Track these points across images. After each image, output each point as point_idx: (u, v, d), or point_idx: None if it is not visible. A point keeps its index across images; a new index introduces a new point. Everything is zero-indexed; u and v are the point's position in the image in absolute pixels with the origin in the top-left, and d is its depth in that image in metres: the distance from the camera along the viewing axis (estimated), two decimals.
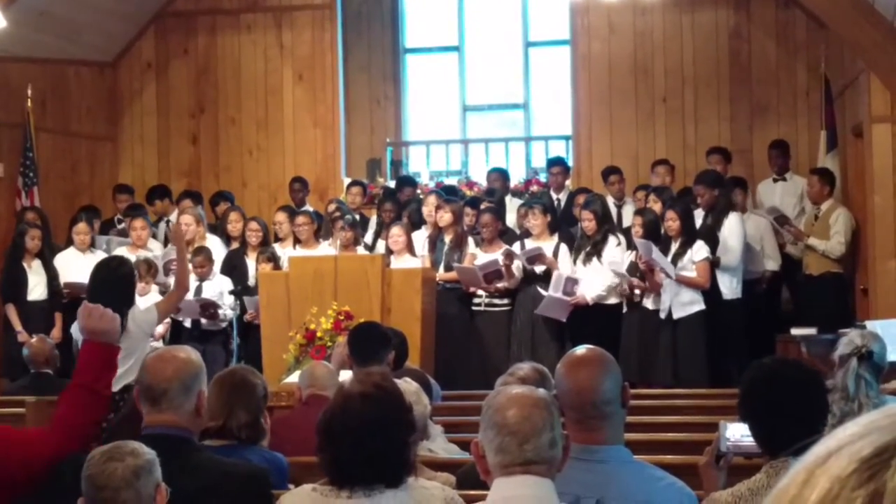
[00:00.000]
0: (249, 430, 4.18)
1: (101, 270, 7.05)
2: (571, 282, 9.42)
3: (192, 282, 9.87)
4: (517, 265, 9.60)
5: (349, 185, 11.93)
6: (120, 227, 11.31)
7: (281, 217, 10.65)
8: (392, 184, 12.32)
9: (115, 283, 6.93)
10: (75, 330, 7.17)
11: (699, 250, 9.12)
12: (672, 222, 9.20)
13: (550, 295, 9.40)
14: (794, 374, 3.51)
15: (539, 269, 9.63)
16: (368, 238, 10.61)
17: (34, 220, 10.33)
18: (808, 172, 10.56)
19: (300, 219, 10.35)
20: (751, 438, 3.54)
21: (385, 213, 10.79)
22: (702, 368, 9.03)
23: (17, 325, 9.92)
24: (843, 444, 0.89)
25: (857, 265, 10.25)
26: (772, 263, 10.29)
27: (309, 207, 11.30)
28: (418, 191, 11.87)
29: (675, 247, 9.18)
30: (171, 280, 9.90)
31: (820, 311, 9.42)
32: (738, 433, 3.64)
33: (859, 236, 10.08)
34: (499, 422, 2.80)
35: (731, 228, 9.46)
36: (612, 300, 9.58)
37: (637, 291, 9.34)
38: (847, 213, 10.03)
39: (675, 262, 9.12)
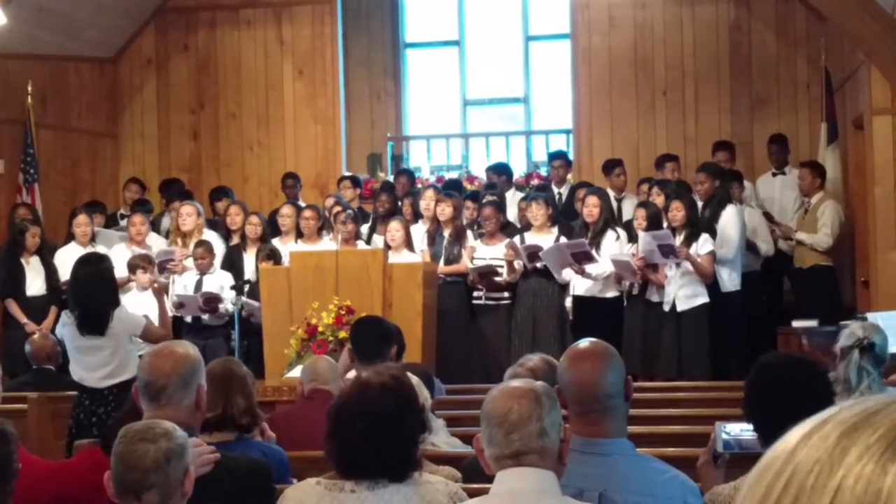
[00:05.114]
0: (249, 416, 4.22)
1: (82, 267, 6.97)
2: (585, 255, 9.28)
3: (193, 276, 9.86)
4: (518, 264, 9.54)
5: (340, 180, 11.90)
6: (123, 222, 11.27)
7: (287, 211, 10.59)
8: (392, 178, 12.29)
9: (98, 279, 6.86)
10: (59, 330, 7.14)
11: (704, 244, 9.09)
12: (678, 212, 9.16)
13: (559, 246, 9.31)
14: (800, 373, 3.51)
15: (540, 265, 9.57)
16: (364, 232, 10.55)
17: (26, 216, 10.30)
18: (800, 165, 10.58)
19: (307, 213, 10.26)
20: (751, 434, 3.54)
21: (380, 204, 10.74)
22: (705, 362, 9.02)
23: (21, 318, 9.88)
24: None
25: (856, 257, 10.26)
26: (765, 249, 10.25)
27: (302, 203, 11.22)
28: (419, 185, 11.83)
29: (679, 238, 9.15)
30: (166, 277, 9.89)
31: (811, 304, 9.43)
32: (737, 429, 3.65)
33: (854, 228, 10.08)
34: (488, 414, 2.86)
35: (729, 220, 9.44)
36: (612, 293, 9.54)
37: (636, 280, 9.27)
38: (835, 206, 10.04)
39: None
